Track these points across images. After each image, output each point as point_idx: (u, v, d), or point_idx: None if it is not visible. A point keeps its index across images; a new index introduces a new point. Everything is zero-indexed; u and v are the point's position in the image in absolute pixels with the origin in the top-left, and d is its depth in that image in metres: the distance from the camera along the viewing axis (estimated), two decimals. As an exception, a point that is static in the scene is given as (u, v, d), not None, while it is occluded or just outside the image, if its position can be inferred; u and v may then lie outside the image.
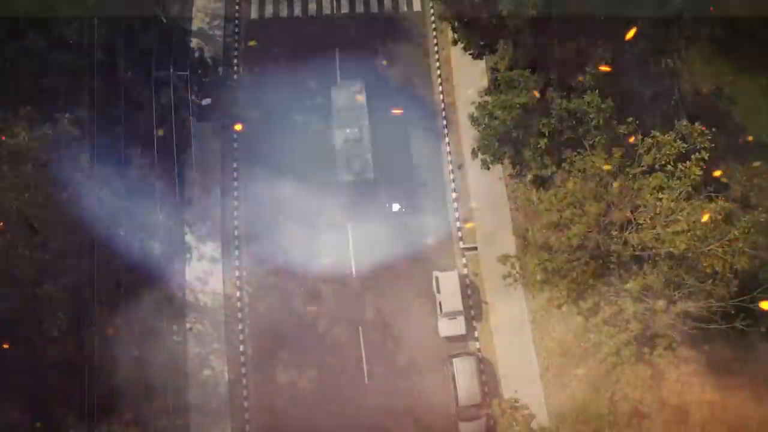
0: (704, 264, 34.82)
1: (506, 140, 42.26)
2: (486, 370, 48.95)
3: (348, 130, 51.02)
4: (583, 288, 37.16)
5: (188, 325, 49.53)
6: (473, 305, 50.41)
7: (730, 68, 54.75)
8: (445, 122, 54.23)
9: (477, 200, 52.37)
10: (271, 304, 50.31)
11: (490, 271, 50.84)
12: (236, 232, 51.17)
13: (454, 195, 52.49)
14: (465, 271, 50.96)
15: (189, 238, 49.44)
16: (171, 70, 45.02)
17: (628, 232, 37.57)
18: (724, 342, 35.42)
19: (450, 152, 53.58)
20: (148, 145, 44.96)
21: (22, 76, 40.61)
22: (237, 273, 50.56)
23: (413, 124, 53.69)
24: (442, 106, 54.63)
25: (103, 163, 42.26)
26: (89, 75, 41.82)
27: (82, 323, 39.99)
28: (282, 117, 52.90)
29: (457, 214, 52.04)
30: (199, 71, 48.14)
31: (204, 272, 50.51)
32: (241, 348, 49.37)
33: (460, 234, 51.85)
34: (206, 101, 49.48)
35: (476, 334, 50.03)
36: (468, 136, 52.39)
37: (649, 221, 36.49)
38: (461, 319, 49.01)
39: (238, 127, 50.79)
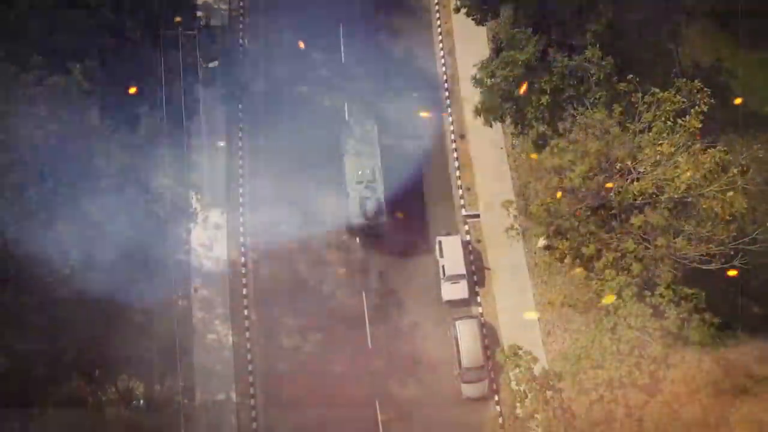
0: (703, 206, 35.34)
1: (508, 98, 42.90)
2: (488, 335, 49.25)
3: (359, 172, 49.27)
4: (586, 237, 37.63)
5: (193, 290, 49.87)
6: (476, 271, 50.83)
7: (729, 43, 55.45)
8: (447, 93, 54.89)
9: (479, 169, 52.91)
10: (275, 270, 50.70)
11: (492, 237, 51.44)
12: (241, 199, 51.65)
13: (456, 164, 53.01)
14: (467, 238, 51.40)
15: (194, 202, 49.89)
16: (179, 29, 45.63)
17: (628, 182, 38.12)
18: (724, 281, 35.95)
19: (452, 122, 54.15)
20: (156, 107, 45.52)
21: (33, 33, 41.21)
22: (241, 239, 51.03)
23: (416, 96, 54.26)
24: (445, 78, 55.32)
25: (112, 120, 42.76)
26: (98, 34, 42.45)
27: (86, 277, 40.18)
28: (287, 86, 53.61)
29: (459, 182, 52.58)
30: (206, 32, 48.82)
31: (209, 238, 51.01)
32: (246, 313, 49.76)
33: (462, 202, 52.35)
34: (213, 64, 50.14)
35: (479, 299, 50.42)
36: (470, 107, 52.98)
37: (649, 168, 37.05)
38: (464, 283, 49.42)
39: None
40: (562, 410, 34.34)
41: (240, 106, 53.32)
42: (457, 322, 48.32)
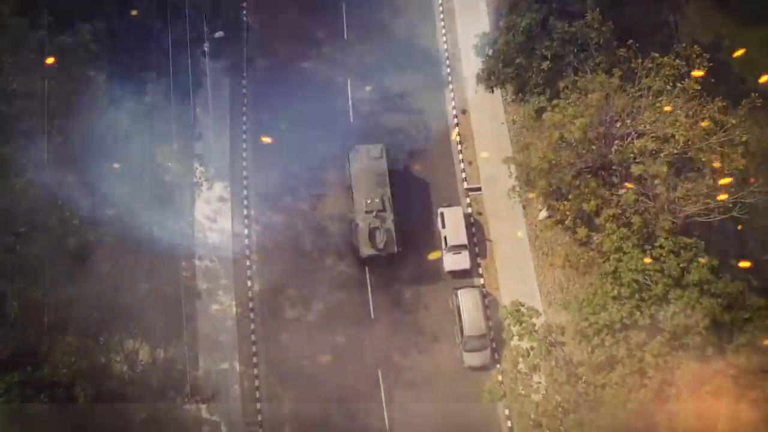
0: (703, 159, 35.83)
1: (509, 63, 43.50)
2: (490, 306, 49.60)
3: (368, 201, 48.24)
4: (586, 195, 38.12)
5: (196, 261, 50.29)
6: (477, 243, 51.24)
7: (728, 22, 56.08)
8: (449, 70, 55.53)
9: (480, 144, 53.47)
10: (278, 242, 51.12)
11: (493, 210, 51.91)
12: (245, 172, 52.15)
13: (457, 138, 53.58)
14: (469, 210, 51.87)
15: (199, 173, 50.39)
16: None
17: (628, 141, 38.67)
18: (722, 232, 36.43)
19: (453, 99, 54.76)
20: (162, 76, 46.09)
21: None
22: (245, 211, 51.48)
23: (417, 73, 54.94)
24: (446, 55, 55.98)
25: (118, 85, 43.34)
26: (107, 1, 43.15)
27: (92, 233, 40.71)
28: (290, 61, 54.28)
29: (461, 157, 53.12)
30: (212, 4, 49.52)
31: (213, 211, 51.47)
32: (249, 284, 50.13)
33: (464, 176, 52.85)
34: (219, 34, 50.76)
35: (480, 270, 50.79)
36: (471, 83, 53.70)
37: (648, 126, 37.59)
38: (466, 254, 49.79)
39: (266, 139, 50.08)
40: (565, 361, 34.67)
41: (244, 81, 53.91)
42: (459, 292, 48.70)
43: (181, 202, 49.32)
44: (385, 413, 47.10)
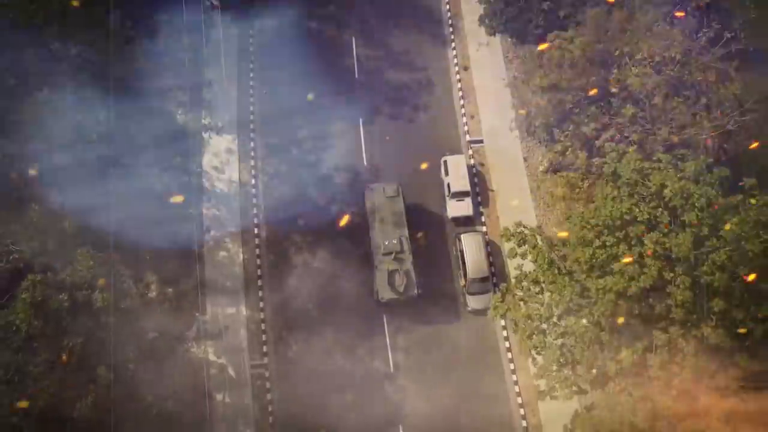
0: (698, 78, 36.97)
1: (512, 3, 44.79)
2: (492, 253, 50.41)
3: (387, 243, 47.14)
4: (587, 120, 39.19)
5: (204, 209, 51.19)
6: (480, 192, 52.20)
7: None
8: (451, 29, 56.94)
9: (482, 98, 54.69)
10: (283, 191, 52.02)
11: (495, 161, 52.99)
12: (252, 126, 53.30)
13: (460, 93, 54.80)
14: (472, 162, 52.90)
15: (207, 122, 51.46)
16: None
17: (625, 63, 39.83)
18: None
19: (456, 56, 56.08)
20: (175, 23, 47.34)
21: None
22: (252, 162, 52.50)
23: (421, 32, 56.34)
24: (448, 15, 57.44)
25: (132, 25, 44.58)
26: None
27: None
28: (297, 21, 55.48)
29: (463, 110, 54.29)
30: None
31: (221, 162, 52.50)
32: (255, 231, 50.93)
33: (466, 128, 53.98)
34: (228, -17, 52.07)
35: (483, 218, 51.68)
36: (473, 41, 55.15)
37: (645, 47, 38.73)
38: (468, 201, 50.71)
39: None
40: (567, 270, 35.51)
41: (251, 39, 55.22)
42: (462, 236, 49.56)
43: (188, 153, 50.29)
44: (390, 355, 47.75)
